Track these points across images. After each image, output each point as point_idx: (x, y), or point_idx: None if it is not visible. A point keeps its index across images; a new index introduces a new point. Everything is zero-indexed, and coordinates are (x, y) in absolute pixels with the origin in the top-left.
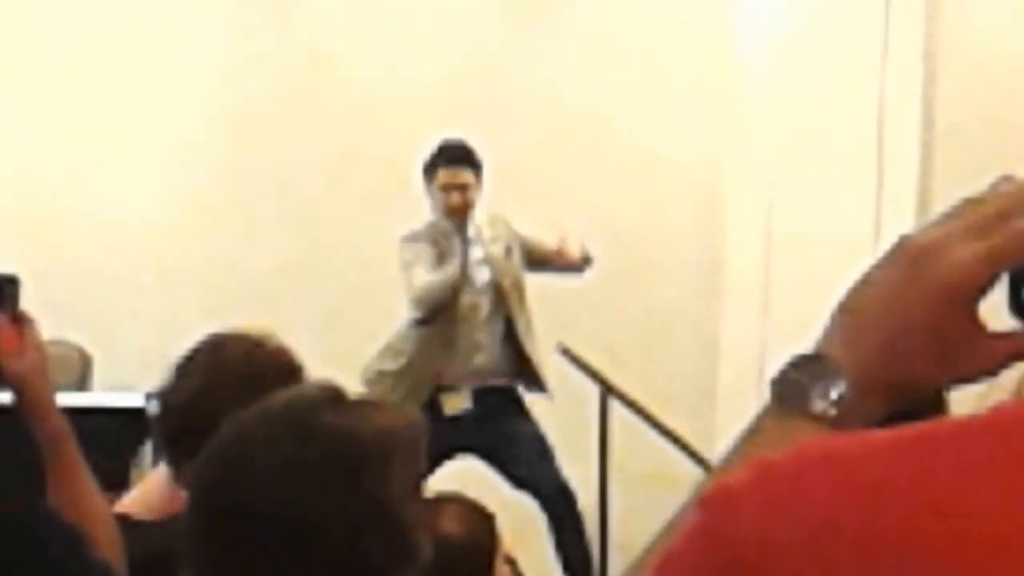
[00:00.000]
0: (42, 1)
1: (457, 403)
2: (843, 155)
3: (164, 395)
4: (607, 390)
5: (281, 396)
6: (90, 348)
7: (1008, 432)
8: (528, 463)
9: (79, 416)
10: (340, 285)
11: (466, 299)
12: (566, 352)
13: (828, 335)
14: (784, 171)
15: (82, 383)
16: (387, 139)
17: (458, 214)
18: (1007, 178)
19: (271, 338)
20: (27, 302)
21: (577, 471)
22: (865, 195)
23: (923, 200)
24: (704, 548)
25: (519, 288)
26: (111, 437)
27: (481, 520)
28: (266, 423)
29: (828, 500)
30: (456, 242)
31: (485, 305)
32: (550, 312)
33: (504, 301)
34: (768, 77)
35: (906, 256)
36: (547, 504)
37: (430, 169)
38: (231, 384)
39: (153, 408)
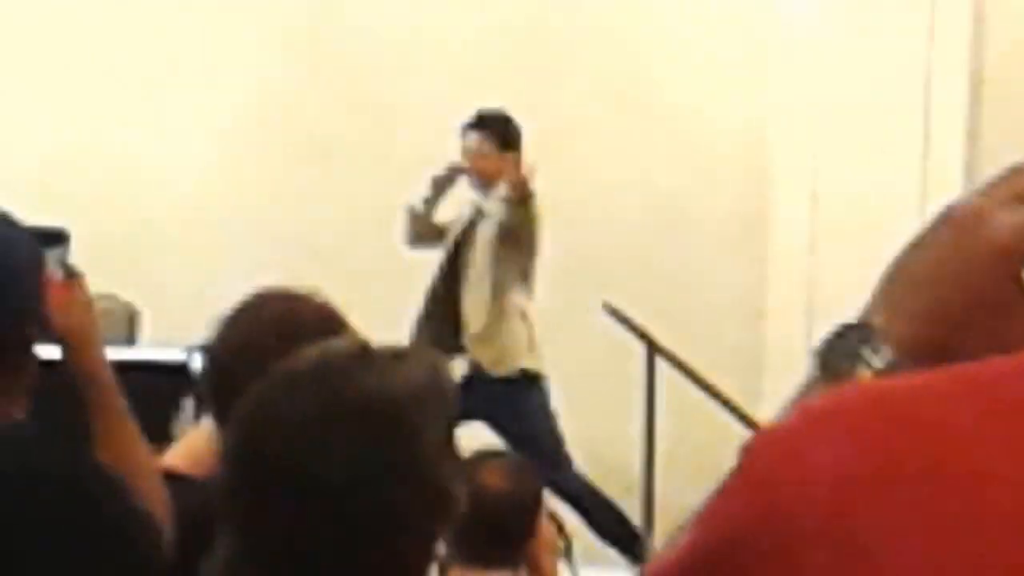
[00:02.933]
0: None
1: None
2: (889, 115)
3: (208, 350)
4: (653, 348)
5: (308, 353)
6: (138, 304)
7: None
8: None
9: (125, 371)
10: (380, 245)
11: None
12: (612, 311)
13: (874, 303)
14: (830, 132)
15: (129, 338)
16: (425, 105)
17: (479, 180)
18: None
19: (315, 293)
20: (76, 257)
21: (622, 431)
22: (912, 155)
23: (970, 160)
24: (744, 494)
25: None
26: (156, 392)
27: (524, 475)
28: (293, 381)
29: (886, 439)
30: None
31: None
32: (595, 272)
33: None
34: (814, 37)
35: (952, 223)
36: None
37: (461, 135)
38: (273, 338)
39: (196, 363)
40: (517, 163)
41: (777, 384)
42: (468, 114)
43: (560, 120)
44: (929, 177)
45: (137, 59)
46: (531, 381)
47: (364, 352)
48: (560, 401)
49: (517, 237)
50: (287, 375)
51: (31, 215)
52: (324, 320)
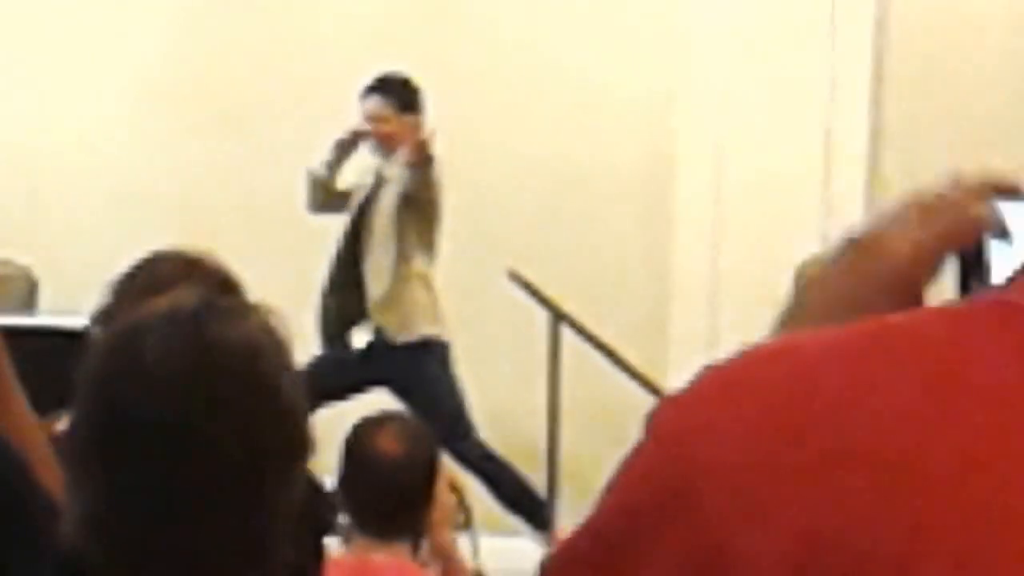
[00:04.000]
0: None
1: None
2: (794, 90)
3: (96, 318)
4: (557, 317)
5: (159, 306)
6: (37, 270)
7: (998, 322)
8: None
9: (21, 338)
10: (284, 212)
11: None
12: (516, 278)
13: (779, 325)
14: (735, 103)
15: (28, 305)
16: (328, 70)
17: (381, 144)
18: (954, 179)
19: (207, 256)
20: None
21: (527, 399)
22: (815, 131)
23: (874, 141)
24: (654, 455)
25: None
26: (54, 359)
27: (420, 440)
28: (153, 334)
29: (791, 404)
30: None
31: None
32: (501, 240)
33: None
34: (719, 10)
35: (852, 249)
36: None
37: (359, 100)
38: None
39: (94, 331)
40: (417, 126)
41: (681, 353)
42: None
43: (465, 88)
44: (831, 155)
45: (40, 23)
46: (434, 348)
47: (211, 303)
48: (466, 370)
49: (418, 203)
50: (140, 325)
51: None
52: (217, 282)
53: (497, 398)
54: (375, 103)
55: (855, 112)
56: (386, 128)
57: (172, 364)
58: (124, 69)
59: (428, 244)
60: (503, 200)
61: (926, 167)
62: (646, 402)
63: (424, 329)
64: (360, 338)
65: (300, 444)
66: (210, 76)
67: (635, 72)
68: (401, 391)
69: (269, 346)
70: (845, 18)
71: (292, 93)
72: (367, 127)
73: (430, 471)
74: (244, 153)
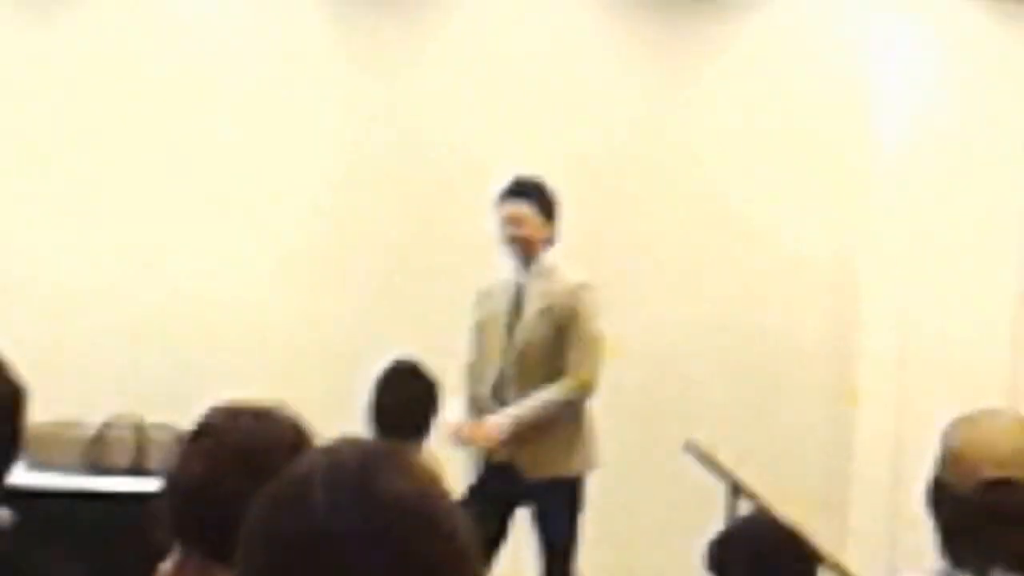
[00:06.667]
0: (151, 60)
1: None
2: (983, 252)
3: (171, 475)
4: (735, 489)
5: (316, 458)
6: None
7: None
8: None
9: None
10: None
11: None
12: (693, 448)
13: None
14: (920, 266)
15: None
16: (484, 240)
17: (515, 244)
18: None
19: (282, 409)
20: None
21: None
22: (1003, 295)
23: None
24: None
25: (534, 353)
26: None
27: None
28: (314, 489)
29: None
30: (503, 302)
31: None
32: (677, 409)
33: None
34: (908, 168)
35: None
36: None
37: (496, 204)
38: (235, 465)
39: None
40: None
41: (863, 526)
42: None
43: (642, 251)
44: (1021, 320)
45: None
46: None
47: (376, 452)
48: (642, 536)
49: None
50: (299, 482)
51: None
52: (292, 445)
53: (671, 569)
54: (519, 206)
55: None
56: (526, 230)
57: (353, 525)
58: (285, 227)
59: None
60: (681, 368)
61: None
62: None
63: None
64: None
65: None
66: (373, 236)
67: (819, 236)
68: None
69: (437, 490)
70: None
71: (458, 253)
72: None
73: None
74: (394, 314)
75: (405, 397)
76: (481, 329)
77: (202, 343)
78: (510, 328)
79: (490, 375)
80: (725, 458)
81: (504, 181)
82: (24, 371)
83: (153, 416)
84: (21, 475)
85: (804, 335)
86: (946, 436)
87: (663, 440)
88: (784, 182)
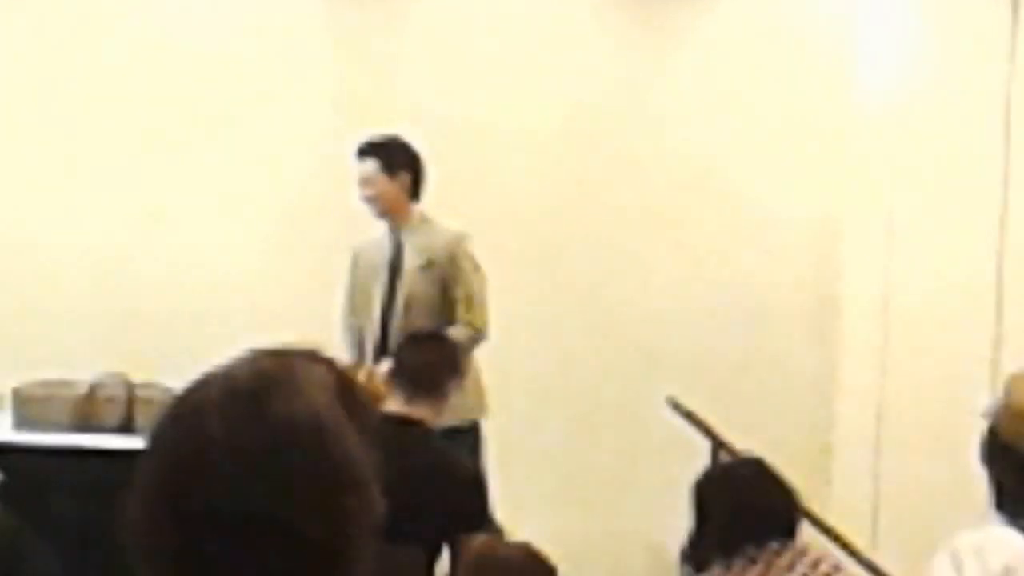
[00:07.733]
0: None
1: None
2: (964, 212)
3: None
4: (718, 444)
5: (213, 381)
6: None
7: None
8: None
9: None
10: None
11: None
12: (676, 405)
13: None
14: (904, 223)
15: None
16: (484, 185)
17: (370, 205)
18: None
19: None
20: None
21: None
22: (987, 249)
23: None
24: None
25: (419, 306)
26: None
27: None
28: (210, 413)
29: None
30: (379, 260)
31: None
32: (660, 363)
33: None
34: (892, 127)
35: None
36: None
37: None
38: None
39: None
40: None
41: (845, 478)
42: (530, 196)
43: (627, 212)
44: (1005, 275)
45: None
46: None
47: (271, 374)
48: (622, 493)
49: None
50: (201, 406)
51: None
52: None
53: (654, 527)
54: (367, 166)
55: None
56: (376, 190)
57: (244, 446)
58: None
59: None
60: (664, 323)
61: None
62: (808, 531)
63: None
64: None
65: (376, 513)
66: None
67: (802, 194)
68: None
69: (333, 416)
70: (1019, 145)
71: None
72: None
73: None
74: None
75: (423, 360)
76: (360, 288)
77: (194, 304)
78: (392, 284)
79: (373, 330)
80: (708, 412)
81: None
82: (15, 331)
83: (141, 376)
84: (11, 433)
85: (788, 292)
86: (1004, 390)
87: (647, 394)
88: (766, 141)
